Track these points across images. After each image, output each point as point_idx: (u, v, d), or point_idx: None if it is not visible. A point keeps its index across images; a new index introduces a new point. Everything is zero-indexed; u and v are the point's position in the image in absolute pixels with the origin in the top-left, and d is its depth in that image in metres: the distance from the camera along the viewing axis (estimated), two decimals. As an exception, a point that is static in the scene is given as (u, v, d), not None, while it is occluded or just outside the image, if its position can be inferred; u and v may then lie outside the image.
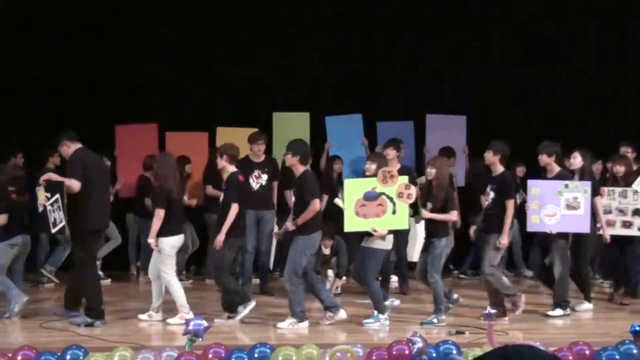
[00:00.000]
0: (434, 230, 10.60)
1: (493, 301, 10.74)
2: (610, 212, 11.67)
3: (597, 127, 15.46)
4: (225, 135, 13.73)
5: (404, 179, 10.41)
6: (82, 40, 14.89)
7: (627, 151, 12.09)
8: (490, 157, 10.86)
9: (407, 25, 15.53)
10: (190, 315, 10.26)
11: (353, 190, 10.48)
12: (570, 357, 8.37)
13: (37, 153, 13.20)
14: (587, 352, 8.52)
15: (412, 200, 10.39)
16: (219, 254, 10.55)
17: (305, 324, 10.31)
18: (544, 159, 11.09)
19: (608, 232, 11.60)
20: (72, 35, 14.87)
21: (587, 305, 11.50)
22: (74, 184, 10.13)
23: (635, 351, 8.48)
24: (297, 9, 15.40)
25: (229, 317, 10.60)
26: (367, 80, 15.52)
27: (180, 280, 12.49)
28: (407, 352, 8.22)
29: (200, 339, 8.37)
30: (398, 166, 12.36)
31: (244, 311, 10.55)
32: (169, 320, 10.48)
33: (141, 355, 8.25)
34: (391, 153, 12.16)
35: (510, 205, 10.70)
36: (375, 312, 10.46)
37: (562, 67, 15.72)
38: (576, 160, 11.35)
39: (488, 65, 15.69)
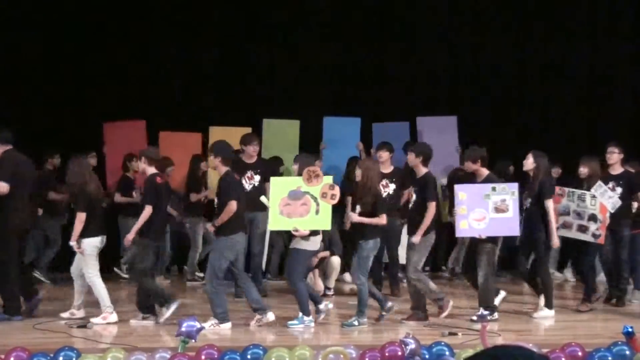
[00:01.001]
0: (361, 231, 10.43)
1: (415, 305, 10.67)
2: (568, 213, 11.48)
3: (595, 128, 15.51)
4: (218, 135, 13.72)
5: (329, 178, 10.37)
6: (75, 37, 14.87)
7: (614, 151, 11.81)
8: (413, 159, 10.71)
9: (404, 27, 15.57)
10: (114, 316, 10.49)
11: (278, 188, 10.44)
12: (563, 359, 8.37)
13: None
14: (580, 353, 8.52)
15: (335, 201, 10.31)
16: (140, 255, 10.56)
17: (228, 324, 10.28)
18: (469, 165, 10.94)
19: (557, 236, 11.07)
20: (65, 32, 14.86)
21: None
22: (2, 187, 10.24)
23: (627, 352, 8.49)
24: (294, 9, 15.40)
25: (144, 318, 10.56)
26: (364, 81, 15.51)
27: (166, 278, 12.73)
28: (399, 353, 8.22)
29: (193, 341, 8.38)
30: (391, 168, 12.41)
31: (167, 312, 10.49)
32: (92, 320, 10.48)
33: (134, 357, 8.23)
34: (384, 155, 12.21)
35: (432, 207, 10.50)
36: (300, 314, 10.41)
37: (559, 65, 15.75)
38: (528, 162, 11.08)
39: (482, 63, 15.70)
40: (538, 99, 15.84)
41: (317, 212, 10.27)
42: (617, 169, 11.83)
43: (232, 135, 13.32)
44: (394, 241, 12.30)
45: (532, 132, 15.44)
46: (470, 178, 11.20)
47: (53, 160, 13.97)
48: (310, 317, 10.44)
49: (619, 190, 11.62)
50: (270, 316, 10.40)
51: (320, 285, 12.58)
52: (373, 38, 15.70)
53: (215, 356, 8.33)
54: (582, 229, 11.39)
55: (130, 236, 10.54)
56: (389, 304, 10.61)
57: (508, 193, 10.68)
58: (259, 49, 15.34)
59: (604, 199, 11.27)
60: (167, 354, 8.32)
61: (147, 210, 10.45)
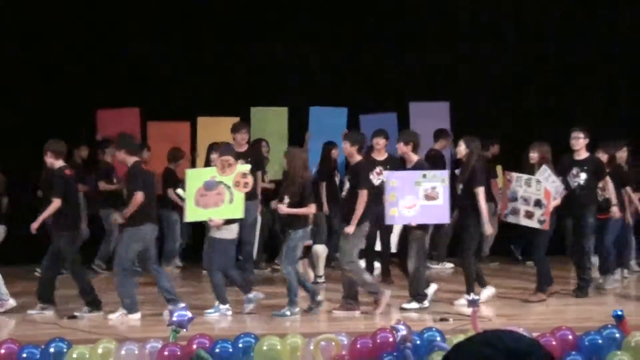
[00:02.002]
0: (289, 221, 10.40)
1: (346, 294, 10.56)
2: (516, 199, 11.14)
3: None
4: (206, 125, 13.74)
5: (243, 167, 10.37)
6: (64, 27, 14.79)
7: (579, 136, 11.36)
8: (348, 147, 10.55)
9: (391, 17, 15.54)
10: (12, 302, 10.57)
11: (194, 179, 10.45)
12: (554, 342, 8.40)
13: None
14: (570, 337, 8.56)
15: (248, 189, 10.34)
16: (70, 249, 10.56)
17: (137, 315, 10.28)
18: (401, 147, 10.82)
19: (489, 223, 10.94)
20: (53, 21, 14.77)
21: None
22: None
23: (617, 335, 8.53)
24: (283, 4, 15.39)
25: (90, 311, 10.52)
26: (351, 73, 15.49)
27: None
28: (391, 339, 8.24)
29: (185, 330, 8.38)
30: (385, 155, 12.39)
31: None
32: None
33: (125, 347, 8.24)
34: (381, 142, 12.16)
35: (363, 195, 10.32)
36: (217, 303, 10.43)
37: (552, 55, 15.75)
38: (460, 149, 10.90)
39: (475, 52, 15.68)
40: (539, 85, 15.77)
41: (230, 201, 10.30)
42: (582, 154, 11.40)
43: (220, 124, 13.33)
44: (386, 229, 12.25)
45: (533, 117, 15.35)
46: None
47: (80, 152, 13.97)
48: (227, 306, 10.43)
49: (583, 176, 11.30)
50: (137, 315, 10.33)
51: (310, 275, 12.55)
52: (363, 28, 15.66)
53: (207, 345, 8.33)
54: (529, 215, 11.04)
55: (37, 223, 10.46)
56: (319, 297, 10.49)
57: (439, 180, 10.56)
58: (249, 39, 15.29)
59: (548, 183, 10.99)
60: (158, 344, 8.33)
61: (55, 203, 10.33)
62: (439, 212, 10.57)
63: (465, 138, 11.00)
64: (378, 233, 12.32)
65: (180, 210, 12.91)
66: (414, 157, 10.81)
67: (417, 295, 10.63)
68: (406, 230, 10.84)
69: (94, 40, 14.78)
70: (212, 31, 15.17)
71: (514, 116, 15.22)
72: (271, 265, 13.89)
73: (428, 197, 10.50)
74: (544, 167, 11.13)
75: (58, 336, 8.60)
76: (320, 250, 12.75)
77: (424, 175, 10.56)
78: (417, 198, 10.50)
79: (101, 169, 13.74)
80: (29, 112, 14.35)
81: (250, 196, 12.38)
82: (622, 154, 12.47)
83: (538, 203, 10.96)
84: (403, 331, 8.12)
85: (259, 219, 12.68)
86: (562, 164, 11.51)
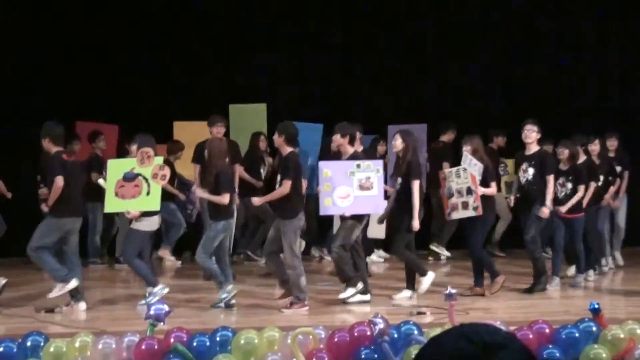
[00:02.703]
0: (213, 211, 10.47)
1: (280, 280, 10.57)
2: (452, 195, 11.11)
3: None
4: (183, 129, 13.73)
5: (160, 159, 10.40)
6: (40, 39, 14.75)
7: (533, 129, 11.26)
8: (276, 138, 10.52)
9: (369, 38, 15.58)
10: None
11: (115, 170, 10.48)
12: (531, 336, 8.42)
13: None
14: (547, 330, 8.58)
15: (165, 182, 10.37)
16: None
17: (75, 283, 10.17)
18: (337, 139, 10.80)
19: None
20: (30, 33, 14.73)
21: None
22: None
23: (594, 329, 8.56)
24: (265, 19, 15.39)
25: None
26: (330, 91, 15.52)
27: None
28: (368, 333, 8.25)
29: (162, 324, 8.36)
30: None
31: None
32: None
33: (102, 341, 8.21)
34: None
35: (286, 185, 10.18)
36: (149, 288, 10.45)
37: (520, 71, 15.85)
38: (397, 142, 10.84)
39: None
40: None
41: (148, 193, 10.31)
42: (532, 149, 11.34)
43: (196, 128, 13.30)
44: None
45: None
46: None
47: (98, 143, 13.95)
48: (161, 286, 10.43)
49: (531, 171, 11.25)
50: (82, 305, 10.32)
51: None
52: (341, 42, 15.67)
53: (184, 339, 8.31)
54: (465, 205, 10.99)
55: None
56: (229, 287, 10.42)
57: (373, 170, 10.54)
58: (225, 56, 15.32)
59: (471, 168, 10.94)
60: (135, 337, 8.30)
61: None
62: (374, 202, 10.58)
63: (401, 132, 11.00)
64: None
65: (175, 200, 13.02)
66: (350, 150, 10.78)
67: (348, 280, 10.56)
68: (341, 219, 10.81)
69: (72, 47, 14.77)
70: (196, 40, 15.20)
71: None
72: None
73: (362, 188, 10.50)
74: (464, 153, 11.14)
75: (35, 330, 8.56)
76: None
77: (358, 166, 10.56)
78: (351, 188, 10.50)
79: (91, 162, 13.75)
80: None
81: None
82: (594, 147, 12.52)
83: (469, 191, 10.93)
84: (380, 325, 8.13)
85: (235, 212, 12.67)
86: (515, 159, 11.68)
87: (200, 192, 10.53)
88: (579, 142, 12.13)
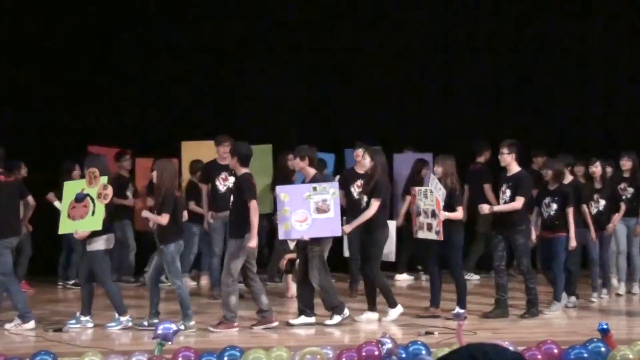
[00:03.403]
0: (161, 235, 10.37)
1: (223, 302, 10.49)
2: (420, 214, 10.96)
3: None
4: (190, 149, 13.74)
5: (104, 179, 10.40)
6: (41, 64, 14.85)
7: (503, 152, 10.96)
8: (230, 159, 10.59)
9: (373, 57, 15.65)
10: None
11: (69, 192, 10.54)
12: (539, 356, 8.41)
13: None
14: (556, 350, 8.57)
15: (107, 201, 10.33)
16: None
17: (31, 324, 10.32)
18: (297, 163, 10.78)
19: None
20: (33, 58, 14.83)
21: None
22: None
23: (603, 349, 8.53)
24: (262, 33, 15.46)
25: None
26: (332, 110, 15.59)
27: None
28: (376, 353, 8.24)
29: (170, 343, 8.37)
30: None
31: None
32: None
33: (110, 360, 8.22)
34: (360, 154, 12.21)
35: (253, 205, 10.19)
36: (116, 315, 10.45)
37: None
38: (365, 162, 10.83)
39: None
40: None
41: (93, 212, 10.33)
42: (511, 170, 11.03)
43: (203, 148, 13.30)
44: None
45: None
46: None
47: (123, 163, 13.99)
48: (127, 317, 10.43)
49: (508, 193, 10.95)
50: (31, 324, 10.36)
51: (292, 290, 12.47)
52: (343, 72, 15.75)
53: (192, 358, 8.32)
54: (429, 227, 10.82)
55: None
56: (192, 322, 10.34)
57: (328, 193, 10.49)
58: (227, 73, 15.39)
59: (437, 192, 10.80)
60: (143, 357, 8.31)
61: None
62: (330, 224, 10.49)
63: (369, 150, 10.98)
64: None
65: (200, 222, 12.95)
66: (311, 172, 10.76)
67: (334, 308, 10.54)
68: (304, 247, 10.69)
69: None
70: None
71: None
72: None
73: (319, 210, 10.46)
74: (432, 176, 11.06)
75: (43, 349, 8.57)
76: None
77: (314, 189, 10.52)
78: (308, 212, 10.47)
79: (115, 182, 13.81)
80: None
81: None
82: (594, 169, 12.27)
83: (433, 214, 10.79)
84: (389, 344, 8.13)
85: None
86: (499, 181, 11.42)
87: (145, 213, 10.52)
88: (565, 162, 11.90)
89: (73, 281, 13.64)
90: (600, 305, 11.92)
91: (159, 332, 8.29)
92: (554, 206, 11.32)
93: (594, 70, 16.03)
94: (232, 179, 12.18)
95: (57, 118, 14.88)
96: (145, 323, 10.31)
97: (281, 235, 10.80)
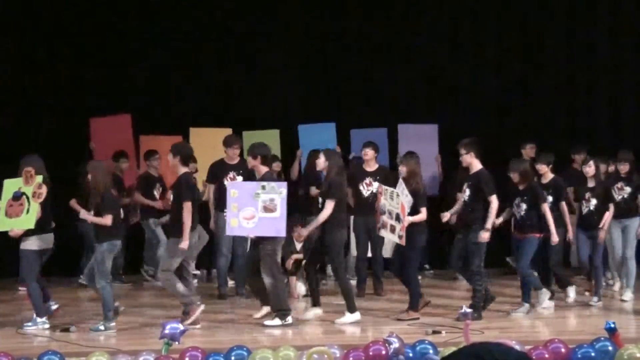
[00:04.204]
0: (96, 234, 10.40)
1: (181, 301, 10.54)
2: (384, 213, 10.85)
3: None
4: (198, 136, 13.75)
5: (40, 178, 10.39)
6: (55, 42, 14.83)
7: (461, 152, 10.85)
8: (171, 160, 10.55)
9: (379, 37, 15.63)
10: None
11: (8, 190, 10.53)
12: (546, 355, 8.41)
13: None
14: (563, 349, 8.58)
15: (41, 199, 10.30)
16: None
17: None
18: (250, 160, 10.78)
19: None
20: (49, 34, 14.82)
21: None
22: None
23: (610, 348, 8.54)
24: (270, 20, 15.43)
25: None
26: (341, 89, 15.53)
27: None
28: (383, 352, 8.26)
29: (177, 343, 8.38)
30: (376, 166, 12.45)
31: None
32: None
33: (117, 360, 8.24)
34: (370, 153, 12.32)
35: (187, 206, 10.23)
36: (34, 316, 10.43)
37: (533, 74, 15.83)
38: (320, 161, 10.84)
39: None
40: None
41: (27, 211, 10.33)
42: (472, 169, 10.90)
43: (212, 135, 13.36)
44: (379, 238, 12.23)
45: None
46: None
47: (153, 162, 13.99)
48: (44, 319, 10.41)
49: (467, 192, 10.86)
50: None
51: (298, 290, 12.45)
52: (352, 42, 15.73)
53: (200, 358, 8.33)
54: (392, 229, 10.72)
55: None
56: (112, 324, 10.29)
57: (277, 192, 10.49)
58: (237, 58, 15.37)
59: (403, 197, 10.67)
60: (150, 357, 8.33)
61: None
62: (276, 224, 10.47)
63: (324, 151, 10.99)
64: (369, 242, 12.46)
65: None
66: (263, 169, 10.76)
67: (279, 311, 10.48)
68: (256, 245, 10.72)
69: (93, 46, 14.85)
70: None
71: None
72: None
73: (266, 209, 10.46)
74: (400, 180, 10.94)
75: (51, 349, 8.59)
76: None
77: (263, 187, 10.52)
78: (256, 210, 10.48)
79: (141, 181, 13.86)
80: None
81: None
82: (587, 169, 11.88)
83: (397, 217, 10.68)
84: (396, 344, 8.14)
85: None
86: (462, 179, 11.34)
87: (84, 215, 10.51)
88: (545, 160, 11.76)
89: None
90: (608, 304, 11.86)
91: (166, 332, 8.30)
92: (524, 206, 11.16)
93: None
94: (240, 179, 12.19)
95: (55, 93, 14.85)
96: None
97: (228, 231, 10.88)
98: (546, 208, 11.18)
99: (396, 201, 10.66)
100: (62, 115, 14.56)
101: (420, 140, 14.07)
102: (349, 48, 15.56)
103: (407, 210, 10.60)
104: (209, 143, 13.21)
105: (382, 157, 13.19)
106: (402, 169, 10.99)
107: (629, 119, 15.78)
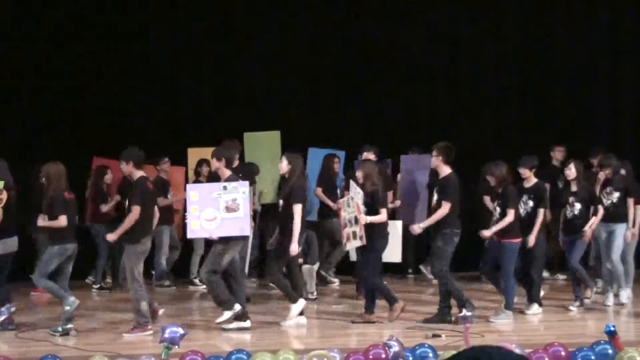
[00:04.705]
0: (49, 235, 10.55)
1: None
2: (345, 225, 10.82)
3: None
4: (197, 155, 13.76)
5: (1, 184, 10.40)
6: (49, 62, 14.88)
7: (432, 155, 10.89)
8: (124, 167, 10.45)
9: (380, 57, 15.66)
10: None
11: None
12: (546, 358, 8.40)
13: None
14: (563, 353, 8.56)
15: (1, 205, 10.33)
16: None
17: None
18: (214, 163, 10.80)
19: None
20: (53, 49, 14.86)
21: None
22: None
23: (610, 351, 8.53)
24: (270, 20, 15.45)
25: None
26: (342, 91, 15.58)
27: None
28: (383, 356, 8.25)
29: (177, 347, 8.36)
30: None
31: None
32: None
33: (117, 364, 8.23)
34: (370, 157, 12.28)
35: (136, 211, 10.14)
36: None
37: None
38: (282, 165, 10.84)
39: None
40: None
41: None
42: (441, 174, 10.93)
43: (209, 154, 13.32)
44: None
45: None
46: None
47: (162, 165, 14.02)
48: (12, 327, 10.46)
49: (435, 196, 10.86)
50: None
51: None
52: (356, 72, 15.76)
53: (199, 362, 8.32)
54: (354, 235, 10.68)
55: None
56: (70, 325, 10.30)
57: (239, 192, 10.49)
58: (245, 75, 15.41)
59: (357, 197, 10.70)
60: (150, 361, 8.32)
61: None
62: (239, 224, 10.49)
63: (287, 154, 11.02)
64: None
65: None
66: (227, 173, 10.77)
67: (221, 302, 10.47)
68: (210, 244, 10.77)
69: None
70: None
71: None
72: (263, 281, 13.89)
73: (228, 209, 10.47)
74: (351, 181, 10.99)
75: (50, 353, 8.59)
76: (306, 272, 12.56)
77: (225, 188, 10.54)
78: (217, 211, 10.48)
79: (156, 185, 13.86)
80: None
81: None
82: (568, 172, 11.77)
83: (355, 220, 10.66)
84: (395, 347, 8.13)
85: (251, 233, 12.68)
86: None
87: (40, 220, 10.53)
88: (528, 164, 11.49)
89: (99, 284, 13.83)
90: (607, 307, 11.82)
91: (166, 335, 8.28)
92: (498, 210, 11.05)
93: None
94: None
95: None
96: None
97: (189, 234, 10.91)
98: (511, 213, 10.92)
99: (352, 205, 10.72)
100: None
101: (419, 169, 13.95)
102: (353, 54, 15.60)
103: (362, 207, 10.63)
104: (206, 160, 13.22)
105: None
106: (358, 174, 11.01)
107: (629, 118, 15.80)
